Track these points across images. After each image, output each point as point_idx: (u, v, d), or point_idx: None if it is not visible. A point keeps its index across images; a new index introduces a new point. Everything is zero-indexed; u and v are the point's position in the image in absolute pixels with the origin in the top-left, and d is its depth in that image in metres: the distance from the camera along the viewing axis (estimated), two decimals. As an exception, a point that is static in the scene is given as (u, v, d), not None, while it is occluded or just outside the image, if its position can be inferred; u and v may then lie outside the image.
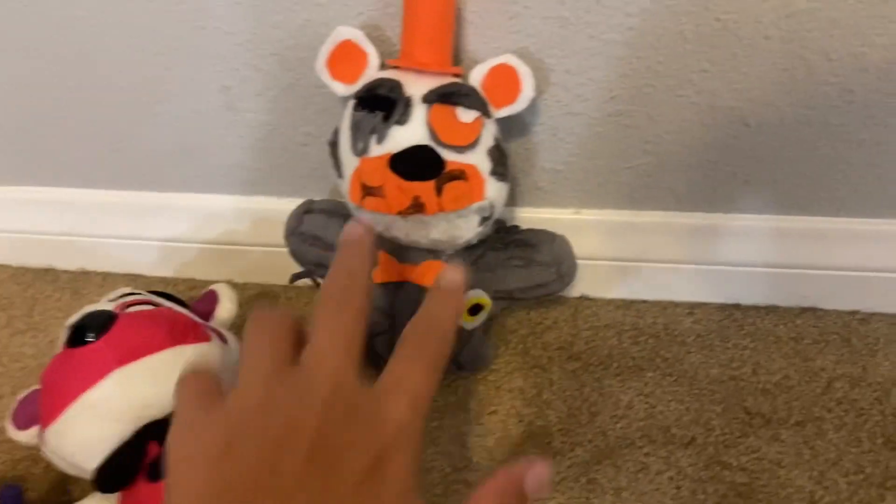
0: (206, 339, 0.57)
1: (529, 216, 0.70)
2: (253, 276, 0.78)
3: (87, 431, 0.50)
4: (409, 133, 0.54)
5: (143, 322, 0.55)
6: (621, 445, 0.60)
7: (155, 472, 0.52)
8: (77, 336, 0.53)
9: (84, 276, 0.80)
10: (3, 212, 0.80)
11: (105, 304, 0.58)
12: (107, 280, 0.79)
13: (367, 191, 0.56)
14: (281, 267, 0.76)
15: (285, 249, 0.73)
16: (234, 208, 0.75)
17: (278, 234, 0.73)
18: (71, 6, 0.61)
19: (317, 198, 0.67)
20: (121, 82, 0.66)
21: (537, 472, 0.35)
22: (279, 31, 0.60)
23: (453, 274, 0.40)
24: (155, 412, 0.51)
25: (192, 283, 0.77)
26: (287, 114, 0.66)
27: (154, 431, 0.51)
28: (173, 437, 0.33)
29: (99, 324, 0.54)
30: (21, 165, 0.76)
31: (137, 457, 0.51)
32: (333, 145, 0.58)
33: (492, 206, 0.57)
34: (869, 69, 0.56)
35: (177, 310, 0.60)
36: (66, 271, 0.81)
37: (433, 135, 0.54)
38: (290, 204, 0.72)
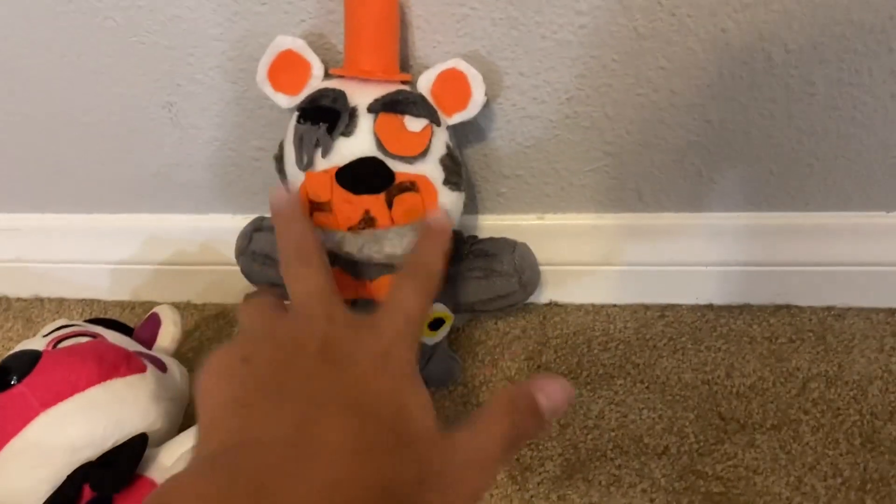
0: (141, 369, 0.54)
1: (492, 224, 0.68)
2: (212, 296, 0.76)
3: (17, 480, 0.47)
4: (356, 145, 0.52)
5: (69, 359, 0.52)
6: (592, 458, 0.58)
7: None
8: (0, 379, 0.51)
9: (38, 302, 0.77)
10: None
11: (36, 342, 0.55)
12: (62, 306, 0.76)
13: (315, 206, 0.53)
14: (240, 286, 0.74)
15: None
16: (188, 227, 0.72)
17: (232, 253, 0.71)
18: (9, 35, 0.59)
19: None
20: (59, 103, 0.64)
21: (554, 389, 0.36)
22: (220, 42, 0.58)
23: (440, 215, 0.48)
24: (88, 453, 0.48)
25: (150, 306, 0.74)
26: (235, 128, 0.64)
27: (88, 473, 0.48)
28: (196, 377, 0.36)
29: (21, 365, 0.51)
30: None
31: (71, 502, 0.48)
32: (279, 160, 0.56)
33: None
34: (829, 60, 0.55)
35: (109, 342, 0.57)
36: (19, 299, 0.78)
37: (380, 146, 0.51)
38: (245, 221, 0.70)
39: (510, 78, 0.58)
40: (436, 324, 0.59)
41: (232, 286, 0.74)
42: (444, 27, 0.55)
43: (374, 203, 0.52)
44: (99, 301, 0.77)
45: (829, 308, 0.68)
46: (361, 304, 0.58)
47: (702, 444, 0.59)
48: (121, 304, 0.76)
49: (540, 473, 0.58)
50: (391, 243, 0.55)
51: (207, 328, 0.72)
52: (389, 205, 0.52)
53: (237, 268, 0.71)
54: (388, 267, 0.57)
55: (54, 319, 0.74)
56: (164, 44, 0.59)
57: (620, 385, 0.63)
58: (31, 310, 0.76)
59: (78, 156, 0.68)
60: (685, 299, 0.71)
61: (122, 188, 0.70)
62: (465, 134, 0.61)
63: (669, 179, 0.64)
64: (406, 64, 0.57)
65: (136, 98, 0.62)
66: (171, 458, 0.51)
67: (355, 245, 0.55)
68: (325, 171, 0.52)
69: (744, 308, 0.70)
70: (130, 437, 0.51)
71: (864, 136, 0.60)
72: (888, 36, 0.53)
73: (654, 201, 0.66)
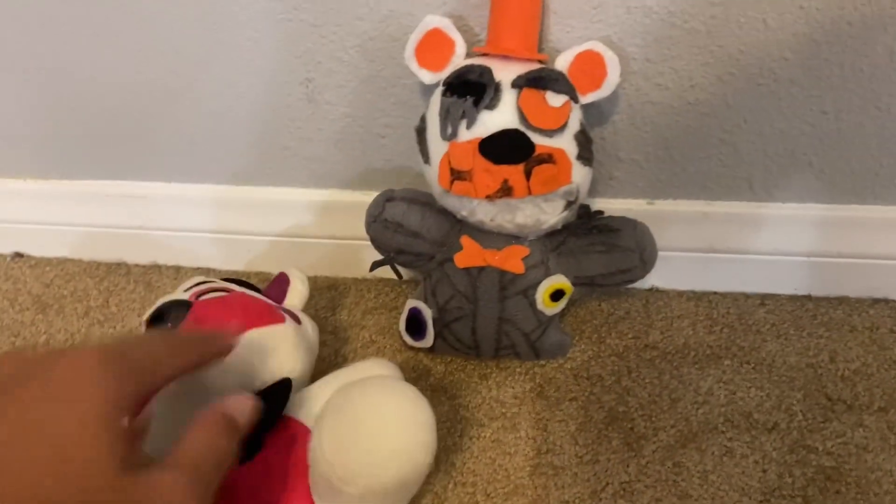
0: (281, 319, 0.58)
1: (602, 206, 0.70)
2: (323, 269, 0.79)
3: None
4: (499, 117, 0.55)
5: (217, 309, 0.56)
6: (704, 430, 0.60)
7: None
8: (157, 325, 0.54)
9: (156, 269, 0.81)
10: (75, 205, 0.81)
11: (179, 294, 0.59)
12: (179, 273, 0.80)
13: (456, 175, 0.56)
14: (351, 260, 0.77)
15: (356, 242, 0.75)
16: (306, 201, 0.76)
17: (349, 227, 0.74)
18: (165, 9, 0.63)
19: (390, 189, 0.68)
20: (201, 75, 0.68)
21: (238, 402, 0.42)
22: (363, 22, 0.62)
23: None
24: None
25: (264, 277, 0.78)
26: (366, 105, 0.67)
27: None
28: None
29: (175, 314, 0.55)
30: (91, 159, 0.78)
31: None
32: (420, 132, 0.59)
33: (577, 191, 0.58)
34: (953, 54, 0.57)
35: (250, 294, 0.60)
36: (137, 265, 0.82)
37: (523, 118, 0.54)
38: (362, 196, 0.73)
39: (637, 63, 0.61)
40: (556, 295, 0.62)
41: (344, 260, 0.78)
42: (581, 13, 0.59)
43: (513, 173, 0.55)
44: (213, 270, 0.80)
45: (928, 303, 0.70)
46: (487, 272, 0.60)
47: (810, 421, 0.61)
48: (235, 273, 0.79)
49: (654, 442, 0.60)
50: (524, 213, 0.58)
51: (320, 299, 0.75)
52: (528, 175, 0.55)
53: (351, 242, 0.76)
54: (515, 238, 0.60)
55: (173, 285, 0.78)
56: (310, 21, 0.62)
57: (728, 365, 0.65)
58: (150, 275, 0.80)
59: (212, 127, 0.71)
60: (784, 289, 0.73)
61: (249, 160, 0.74)
62: (587, 116, 0.64)
63: (780, 169, 0.66)
64: (540, 47, 0.60)
65: (277, 73, 0.66)
66: (318, 403, 0.54)
67: (489, 214, 0.58)
68: (469, 142, 0.55)
69: (842, 300, 0.72)
70: (276, 381, 0.54)
71: (977, 132, 0.62)
72: None
73: (764, 191, 0.68)
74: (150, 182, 0.78)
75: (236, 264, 0.81)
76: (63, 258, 0.84)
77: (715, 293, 0.73)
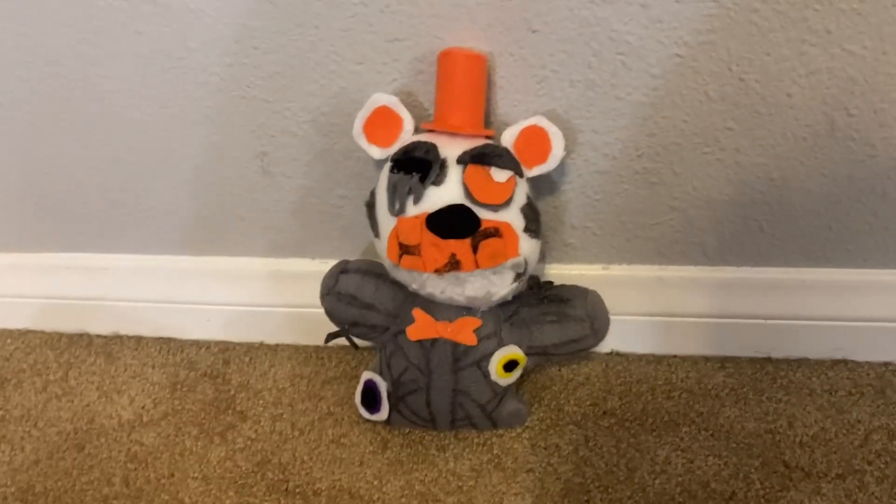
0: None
1: (559, 272, 0.71)
2: (286, 337, 0.79)
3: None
4: (445, 193, 0.55)
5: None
6: (661, 501, 0.60)
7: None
8: None
9: (117, 339, 0.81)
10: (36, 277, 0.82)
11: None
12: (140, 344, 0.80)
13: (405, 249, 0.57)
14: (313, 328, 0.77)
15: (318, 310, 0.75)
16: (265, 270, 0.76)
17: (310, 296, 0.74)
18: (104, 80, 0.64)
19: (349, 258, 0.69)
20: (159, 150, 0.68)
21: None
22: (315, 98, 0.63)
23: None
24: None
25: (226, 346, 0.78)
26: (321, 178, 0.68)
27: None
28: None
29: None
30: (51, 232, 0.78)
31: None
32: (370, 206, 0.60)
33: (526, 263, 0.58)
34: (890, 124, 0.58)
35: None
36: (99, 335, 0.82)
37: (468, 194, 0.55)
38: (321, 265, 0.73)
39: (584, 135, 0.62)
40: (510, 365, 0.62)
41: (306, 328, 0.77)
42: (526, 87, 0.60)
43: (460, 247, 0.56)
44: (174, 339, 0.80)
45: (887, 363, 0.70)
46: (440, 344, 0.60)
47: (768, 490, 0.60)
48: (196, 343, 0.79)
49: (610, 515, 0.59)
50: (473, 286, 0.58)
51: (281, 368, 0.75)
52: (475, 249, 0.56)
53: (312, 310, 0.75)
54: (467, 309, 0.60)
55: (134, 356, 0.78)
56: (262, 97, 0.64)
57: (686, 432, 0.65)
58: (111, 346, 0.80)
59: (170, 200, 0.72)
60: (744, 352, 0.73)
61: (207, 231, 0.74)
62: (538, 186, 0.65)
63: (732, 234, 0.67)
64: (487, 120, 0.61)
65: (232, 148, 0.67)
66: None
67: (438, 287, 0.58)
68: (416, 217, 0.56)
69: (802, 361, 0.72)
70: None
71: (923, 196, 0.62)
72: (946, 102, 0.56)
73: (718, 255, 0.69)
74: (110, 254, 0.79)
75: (197, 333, 0.81)
76: (25, 329, 0.83)
77: (675, 356, 0.73)
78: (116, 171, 0.71)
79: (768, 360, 0.72)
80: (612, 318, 0.70)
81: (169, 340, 0.80)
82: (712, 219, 0.66)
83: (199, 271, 0.78)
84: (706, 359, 0.72)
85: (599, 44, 0.57)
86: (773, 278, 0.69)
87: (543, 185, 0.65)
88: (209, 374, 0.75)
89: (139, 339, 0.80)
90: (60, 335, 0.82)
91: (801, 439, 0.64)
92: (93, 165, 0.71)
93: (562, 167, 0.64)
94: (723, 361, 0.72)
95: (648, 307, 0.72)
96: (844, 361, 0.71)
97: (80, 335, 0.82)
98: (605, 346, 0.74)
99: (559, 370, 0.72)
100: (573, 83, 0.59)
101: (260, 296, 0.77)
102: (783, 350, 0.73)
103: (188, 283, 0.78)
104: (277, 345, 0.78)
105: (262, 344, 0.78)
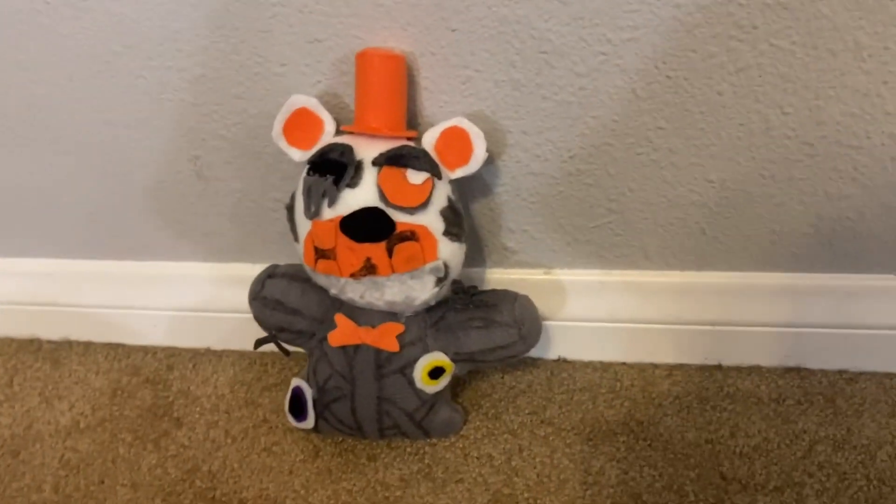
0: None
1: (500, 277, 0.69)
2: (231, 343, 0.78)
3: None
4: (360, 195, 0.54)
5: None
6: (590, 514, 0.58)
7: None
8: None
9: (66, 345, 0.80)
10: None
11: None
12: (88, 349, 0.79)
13: (320, 253, 0.56)
14: (258, 333, 0.76)
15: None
16: (210, 276, 0.75)
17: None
18: (34, 84, 0.64)
19: (287, 262, 0.68)
20: (93, 156, 0.68)
21: None
22: (241, 100, 0.62)
23: None
24: None
25: (173, 352, 0.77)
26: (255, 181, 0.67)
27: None
28: None
29: None
30: (2, 237, 0.78)
31: None
32: (290, 209, 0.59)
33: (446, 267, 0.56)
34: (825, 122, 0.56)
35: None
36: (49, 341, 0.81)
37: (383, 196, 0.54)
38: (261, 269, 0.73)
39: (513, 136, 0.60)
40: (436, 372, 0.60)
41: (251, 333, 0.76)
42: (450, 88, 0.58)
43: (375, 251, 0.54)
44: (123, 345, 0.80)
45: (841, 371, 0.67)
46: (363, 351, 0.59)
47: (702, 502, 0.58)
48: (144, 349, 0.78)
49: (535, 527, 0.57)
50: (391, 290, 0.56)
51: (223, 374, 0.74)
52: (390, 253, 0.54)
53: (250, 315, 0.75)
54: (390, 314, 0.59)
55: (81, 361, 0.78)
56: (190, 101, 0.63)
57: (623, 442, 0.63)
58: (60, 351, 0.80)
59: (108, 205, 0.72)
60: (693, 359, 0.71)
61: (146, 236, 0.74)
62: (472, 189, 0.64)
63: (674, 237, 0.65)
64: (414, 122, 0.60)
65: (165, 152, 0.67)
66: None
67: (357, 291, 0.57)
68: (331, 220, 0.54)
69: (753, 369, 0.69)
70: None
71: (866, 197, 0.60)
72: (884, 100, 0.54)
73: (661, 259, 0.66)
74: (55, 259, 0.78)
75: (144, 339, 0.80)
76: (-26, 335, 0.83)
77: (623, 364, 0.71)
78: (58, 175, 0.71)
79: (718, 367, 0.70)
80: (556, 324, 0.69)
81: (117, 346, 0.80)
82: (652, 221, 0.64)
83: (145, 276, 0.77)
84: (655, 366, 0.70)
85: (521, 42, 0.55)
86: (719, 283, 0.67)
87: (476, 188, 0.63)
88: (150, 380, 0.74)
89: (88, 345, 0.80)
90: (11, 340, 0.82)
91: (741, 450, 0.61)
92: (31, 170, 0.70)
93: (493, 169, 0.62)
94: (671, 369, 0.70)
95: (592, 312, 0.70)
96: (797, 369, 0.68)
97: (31, 340, 0.82)
98: (552, 352, 0.72)
99: (502, 377, 0.70)
100: (498, 83, 0.58)
101: (205, 301, 0.76)
102: (735, 357, 0.70)
103: (136, 287, 0.78)
104: (223, 350, 0.77)
105: (208, 350, 0.78)
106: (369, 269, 0.55)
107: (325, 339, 0.61)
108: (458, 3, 0.54)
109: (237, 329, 0.77)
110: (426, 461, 0.63)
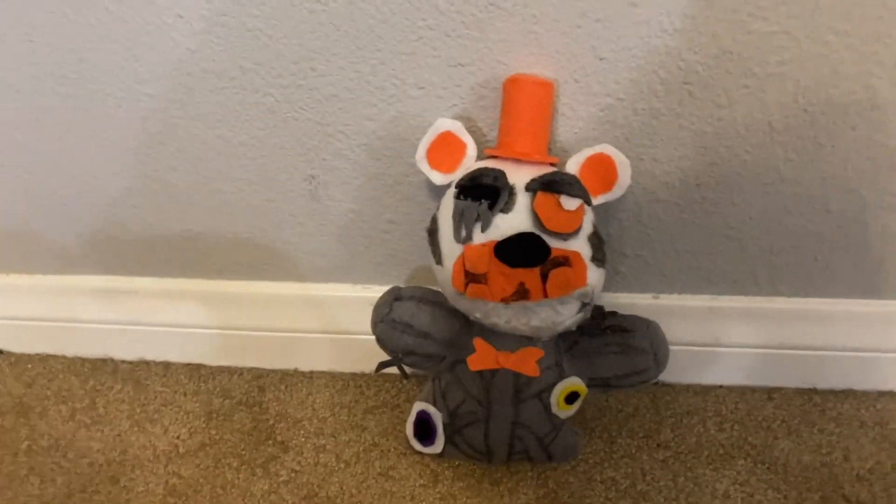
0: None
1: (608, 301, 0.70)
2: (318, 364, 0.77)
3: None
4: (514, 221, 0.54)
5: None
6: (725, 537, 0.59)
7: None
8: None
9: (144, 365, 0.78)
10: (59, 300, 0.79)
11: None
12: (168, 370, 0.77)
13: (471, 278, 0.55)
14: (350, 355, 0.75)
15: (355, 337, 0.73)
16: (305, 295, 0.74)
17: (350, 321, 0.73)
18: (150, 98, 0.62)
19: (392, 284, 0.67)
20: (203, 171, 0.66)
21: None
22: (371, 122, 0.62)
23: None
24: None
25: (259, 373, 0.76)
26: (370, 202, 0.67)
27: None
28: None
29: None
30: (83, 254, 0.75)
31: None
32: (432, 233, 0.58)
33: (592, 292, 0.57)
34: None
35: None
36: (124, 361, 0.79)
37: (538, 222, 0.54)
38: (363, 291, 0.72)
39: (644, 164, 0.61)
40: (571, 397, 0.60)
41: (342, 356, 0.75)
42: (588, 115, 0.59)
43: (528, 276, 0.54)
44: (204, 366, 0.78)
45: (938, 395, 0.70)
46: (501, 375, 0.59)
47: (831, 526, 0.60)
48: (228, 370, 0.77)
49: (674, 551, 0.58)
50: (539, 316, 0.56)
51: (319, 395, 0.73)
52: (544, 279, 0.54)
53: (350, 337, 0.74)
54: (528, 339, 0.59)
55: (163, 382, 0.75)
56: (316, 120, 0.62)
57: (742, 465, 0.64)
58: (138, 371, 0.77)
59: (210, 224, 0.70)
60: (789, 382, 0.73)
61: (247, 255, 0.72)
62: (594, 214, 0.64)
63: (785, 264, 0.67)
64: (548, 148, 0.60)
65: (280, 170, 0.66)
66: None
67: (504, 316, 0.57)
68: (484, 245, 0.54)
69: (848, 393, 0.71)
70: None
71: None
72: None
73: (769, 285, 0.68)
74: (137, 277, 0.76)
75: (228, 359, 0.78)
76: (45, 354, 0.80)
77: (721, 387, 0.72)
78: (158, 191, 0.69)
79: (814, 390, 0.72)
80: (661, 348, 0.70)
81: (199, 367, 0.77)
82: (767, 249, 0.66)
83: (234, 295, 0.75)
84: (752, 389, 0.72)
85: (668, 72, 0.56)
86: (822, 309, 0.69)
87: (598, 213, 0.64)
88: (244, 402, 0.73)
89: (167, 365, 0.78)
90: (83, 360, 0.79)
91: (857, 473, 0.63)
92: (130, 187, 0.69)
93: (621, 196, 0.63)
94: (769, 392, 0.71)
95: (696, 337, 0.71)
96: (891, 393, 0.71)
97: (105, 360, 0.79)
98: (651, 375, 0.73)
99: (607, 401, 0.71)
100: (637, 111, 0.59)
101: (297, 321, 0.75)
102: (829, 381, 0.72)
103: (221, 307, 0.76)
104: (312, 372, 0.76)
105: (296, 371, 0.76)
106: (522, 294, 0.55)
107: (457, 363, 0.60)
108: (611, 33, 0.55)
109: (327, 350, 0.76)
110: (550, 485, 0.63)
